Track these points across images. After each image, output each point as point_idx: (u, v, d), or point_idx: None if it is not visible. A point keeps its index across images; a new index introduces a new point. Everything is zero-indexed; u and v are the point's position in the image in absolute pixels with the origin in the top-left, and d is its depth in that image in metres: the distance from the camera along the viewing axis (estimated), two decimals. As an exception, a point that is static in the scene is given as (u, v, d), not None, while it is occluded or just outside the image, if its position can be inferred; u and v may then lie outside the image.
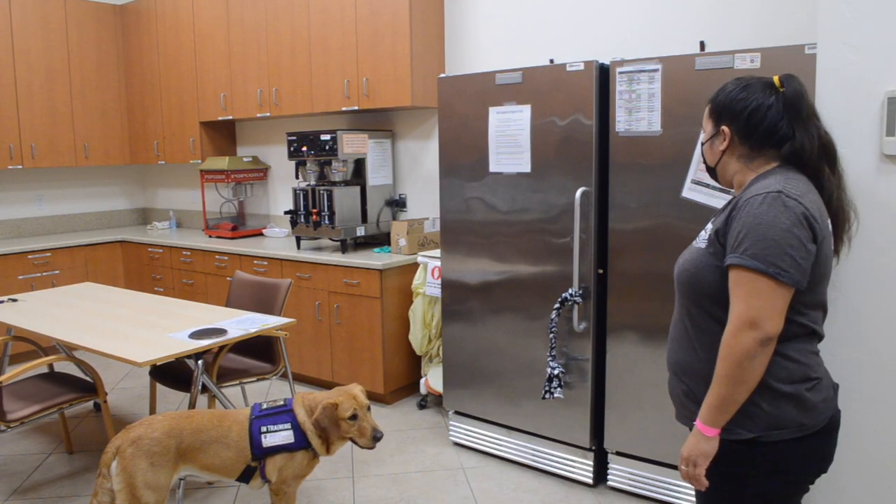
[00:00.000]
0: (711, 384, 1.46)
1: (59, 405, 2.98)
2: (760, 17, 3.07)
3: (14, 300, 3.69)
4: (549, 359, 2.94)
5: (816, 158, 1.51)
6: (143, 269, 5.43)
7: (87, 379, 3.21)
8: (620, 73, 2.73)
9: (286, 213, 4.49)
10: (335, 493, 3.05)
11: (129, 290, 4.07)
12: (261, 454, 2.41)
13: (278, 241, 4.88)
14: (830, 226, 1.53)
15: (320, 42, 4.35)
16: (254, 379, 3.37)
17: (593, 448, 3.01)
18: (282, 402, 2.51)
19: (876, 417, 2.09)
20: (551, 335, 2.95)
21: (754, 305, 1.39)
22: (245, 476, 2.45)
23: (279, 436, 2.42)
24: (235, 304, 3.64)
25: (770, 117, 1.51)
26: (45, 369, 3.47)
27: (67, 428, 3.53)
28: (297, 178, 4.65)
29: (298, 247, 4.49)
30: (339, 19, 4.23)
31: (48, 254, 5.12)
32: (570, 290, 2.92)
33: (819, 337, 1.54)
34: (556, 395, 2.92)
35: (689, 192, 2.63)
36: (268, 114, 4.74)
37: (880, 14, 1.96)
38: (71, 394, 3.04)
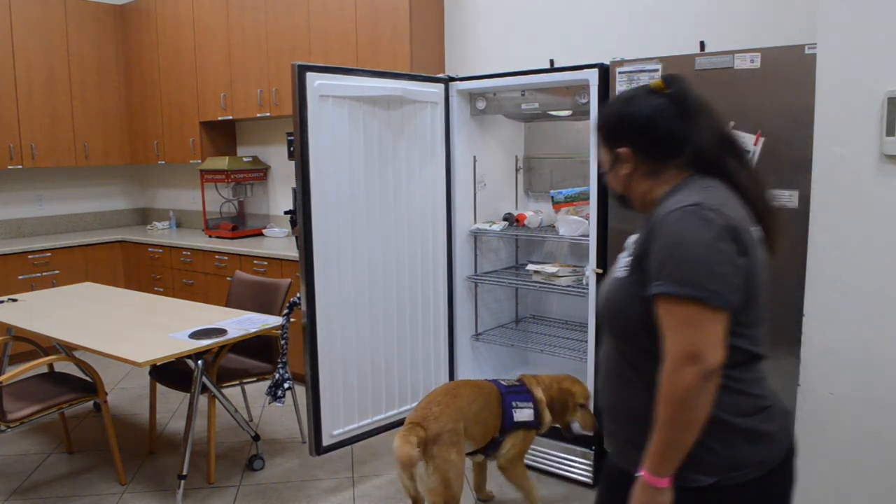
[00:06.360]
0: (654, 430, 1.28)
1: (59, 405, 2.98)
2: (760, 17, 3.07)
3: (14, 300, 3.69)
4: (281, 365, 3.12)
5: (718, 153, 1.38)
6: (143, 269, 5.42)
7: (87, 379, 3.21)
8: (620, 73, 2.74)
9: (286, 213, 4.49)
10: (335, 493, 3.05)
11: (129, 290, 4.07)
12: (509, 428, 2.54)
13: (278, 241, 4.88)
14: (760, 231, 1.38)
15: (320, 42, 4.35)
16: (254, 379, 3.37)
17: (593, 448, 3.01)
18: (516, 382, 2.66)
19: (877, 420, 2.09)
20: (283, 341, 3.11)
21: (690, 337, 1.22)
22: (488, 448, 2.58)
23: (525, 412, 2.57)
24: (235, 304, 3.64)
25: (664, 122, 1.37)
26: (45, 369, 3.47)
27: (67, 428, 3.53)
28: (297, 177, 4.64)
29: (298, 247, 4.48)
30: (339, 19, 4.23)
31: (48, 254, 5.12)
32: (297, 295, 3.02)
33: (762, 359, 1.37)
34: (282, 400, 3.11)
35: (689, 192, 2.62)
36: (268, 114, 4.74)
37: (880, 14, 1.96)
38: (71, 394, 3.04)
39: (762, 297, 1.34)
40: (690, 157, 1.38)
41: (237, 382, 3.33)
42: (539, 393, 2.63)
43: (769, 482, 1.35)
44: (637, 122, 1.39)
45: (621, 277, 1.39)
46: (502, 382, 2.65)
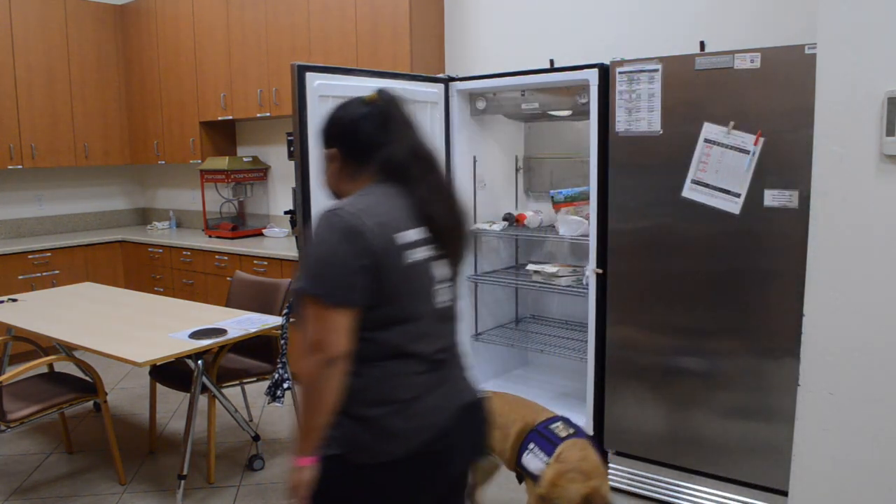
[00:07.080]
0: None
1: (59, 405, 2.98)
2: (760, 17, 3.07)
3: (14, 300, 3.69)
4: (280, 365, 3.07)
5: (407, 165, 1.49)
6: (143, 269, 5.42)
7: (87, 379, 3.21)
8: (620, 73, 2.74)
9: (286, 213, 4.49)
10: (335, 493, 3.05)
11: (129, 290, 4.07)
12: (520, 467, 2.24)
13: (278, 241, 4.88)
14: (423, 235, 1.46)
15: (320, 42, 4.35)
16: (254, 379, 3.37)
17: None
18: (566, 431, 2.20)
19: (877, 420, 2.09)
20: (283, 341, 3.07)
21: (316, 329, 1.37)
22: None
23: (533, 462, 2.16)
24: (235, 304, 3.64)
25: (365, 128, 1.50)
26: (45, 369, 3.47)
27: (67, 428, 3.53)
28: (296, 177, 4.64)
29: (298, 247, 4.49)
30: (339, 19, 4.23)
31: (48, 254, 5.12)
32: None
33: (414, 356, 1.46)
34: (282, 400, 3.06)
35: (689, 192, 2.63)
36: (268, 114, 4.74)
37: (880, 14, 1.96)
38: (71, 394, 3.04)
39: (411, 298, 1.44)
40: (381, 165, 1.50)
41: (237, 382, 3.32)
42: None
43: (392, 474, 1.44)
44: (343, 126, 1.53)
45: None
46: (553, 421, 2.24)
